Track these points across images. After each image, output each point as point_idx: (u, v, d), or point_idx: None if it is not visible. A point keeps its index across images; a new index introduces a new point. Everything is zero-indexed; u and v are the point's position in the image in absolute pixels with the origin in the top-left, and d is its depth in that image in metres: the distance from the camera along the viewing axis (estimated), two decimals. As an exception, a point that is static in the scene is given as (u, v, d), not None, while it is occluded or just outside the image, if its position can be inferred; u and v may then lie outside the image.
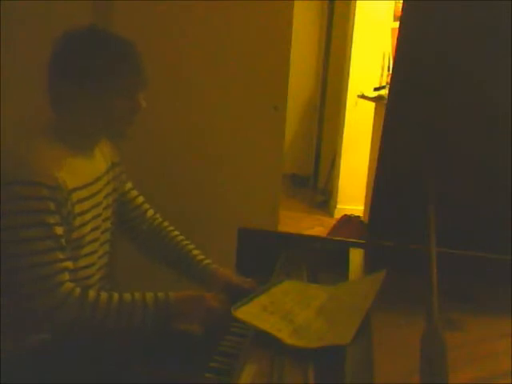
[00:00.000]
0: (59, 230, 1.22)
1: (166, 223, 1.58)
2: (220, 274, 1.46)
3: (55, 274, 1.20)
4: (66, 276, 1.21)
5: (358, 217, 3.79)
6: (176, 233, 1.57)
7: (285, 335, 1.03)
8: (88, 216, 1.32)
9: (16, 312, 1.28)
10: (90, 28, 1.32)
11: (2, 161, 1.24)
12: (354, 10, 4.19)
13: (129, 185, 1.55)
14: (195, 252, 1.53)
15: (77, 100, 1.29)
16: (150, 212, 1.58)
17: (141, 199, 1.57)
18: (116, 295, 1.25)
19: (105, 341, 1.28)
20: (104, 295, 1.24)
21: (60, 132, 1.31)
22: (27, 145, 1.28)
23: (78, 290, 1.21)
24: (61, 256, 1.22)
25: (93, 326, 1.23)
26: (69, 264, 1.23)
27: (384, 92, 3.52)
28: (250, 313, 1.12)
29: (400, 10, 1.54)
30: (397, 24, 2.18)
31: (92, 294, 1.23)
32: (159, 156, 2.23)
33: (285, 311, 1.13)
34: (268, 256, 1.40)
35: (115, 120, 1.33)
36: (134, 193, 1.56)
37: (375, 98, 3.69)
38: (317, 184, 5.34)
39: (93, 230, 1.35)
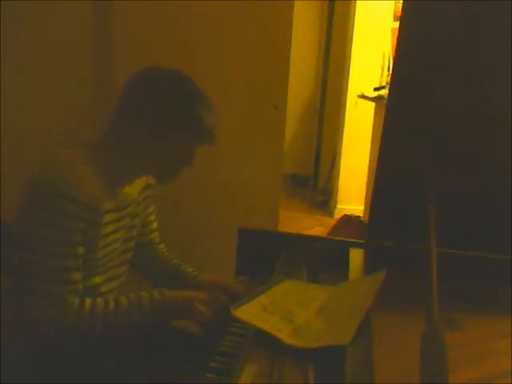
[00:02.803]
0: (80, 250, 1.22)
1: (162, 245, 1.58)
2: (209, 281, 1.45)
3: (63, 294, 1.20)
4: (73, 296, 1.21)
5: (358, 217, 3.79)
6: (168, 253, 1.57)
7: (285, 335, 1.03)
8: (112, 238, 1.32)
9: (17, 312, 1.28)
10: (177, 73, 1.30)
11: (43, 168, 1.24)
12: (354, 10, 4.18)
13: (151, 209, 1.53)
14: (184, 266, 1.53)
15: (138, 134, 1.28)
16: (157, 239, 1.57)
17: (154, 225, 1.56)
18: (111, 300, 1.26)
19: (105, 341, 1.28)
20: (100, 301, 1.24)
21: (107, 156, 1.30)
22: (73, 155, 1.26)
23: (76, 301, 1.21)
24: (75, 277, 1.22)
25: (93, 332, 1.23)
26: (79, 286, 1.24)
27: (384, 92, 3.52)
28: (249, 313, 1.12)
29: (400, 10, 1.54)
30: (397, 24, 2.18)
31: (88, 303, 1.23)
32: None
33: (285, 311, 1.13)
34: (268, 256, 1.40)
35: (165, 166, 1.33)
36: (152, 218, 1.55)
37: (375, 98, 3.69)
38: (317, 184, 5.34)
39: (114, 250, 1.35)
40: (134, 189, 1.39)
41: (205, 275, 1.49)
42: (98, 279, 1.33)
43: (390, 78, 1.90)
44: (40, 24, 2.12)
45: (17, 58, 2.11)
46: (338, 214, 4.35)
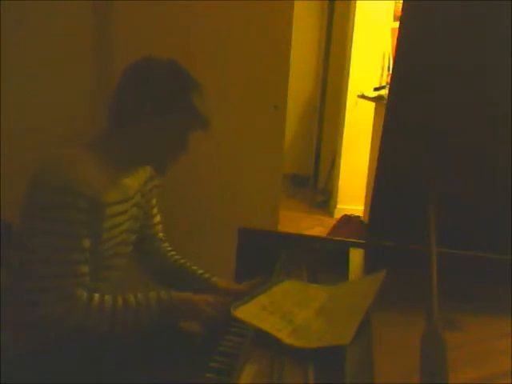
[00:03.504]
0: (86, 243, 1.23)
1: (166, 244, 1.58)
2: (223, 285, 1.46)
3: (71, 287, 1.20)
4: (81, 289, 1.21)
5: (358, 217, 3.79)
6: (174, 253, 1.57)
7: (284, 335, 1.03)
8: (117, 231, 1.32)
9: (17, 312, 1.28)
10: (167, 61, 1.31)
11: (43, 167, 1.24)
12: (354, 10, 4.19)
13: (154, 201, 1.53)
14: (195, 268, 1.53)
15: (129, 124, 1.29)
16: (161, 234, 1.57)
17: (158, 218, 1.56)
18: (120, 298, 1.25)
19: (105, 341, 1.28)
20: (108, 298, 1.24)
21: (107, 148, 1.30)
22: (73, 154, 1.26)
23: (84, 295, 1.21)
24: (82, 270, 1.22)
25: (99, 330, 1.23)
26: (87, 279, 1.24)
27: (384, 92, 3.52)
28: (249, 312, 1.12)
29: (400, 10, 1.54)
30: (397, 24, 2.18)
31: (96, 298, 1.23)
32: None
33: (285, 311, 1.13)
34: (268, 256, 1.40)
35: (164, 155, 1.34)
36: (155, 210, 1.55)
37: (375, 98, 3.69)
38: (317, 184, 5.35)
39: (119, 243, 1.35)
40: (134, 180, 1.38)
41: (222, 280, 1.48)
42: (103, 272, 1.33)
43: (389, 78, 1.90)
44: (40, 24, 2.11)
45: (17, 58, 2.11)
46: (338, 214, 4.35)
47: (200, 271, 1.51)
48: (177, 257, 1.56)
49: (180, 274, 1.52)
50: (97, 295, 1.23)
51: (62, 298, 1.19)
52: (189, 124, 1.32)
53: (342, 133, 4.44)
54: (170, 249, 1.58)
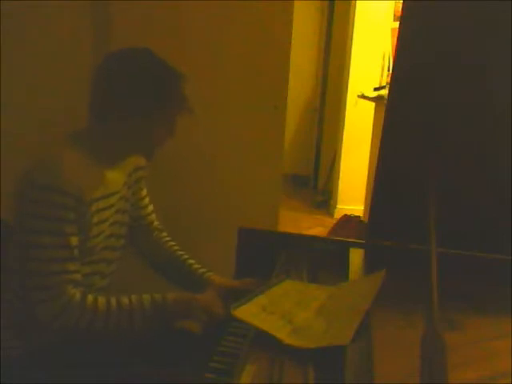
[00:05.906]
0: (74, 241, 1.22)
1: (164, 233, 1.58)
2: (217, 281, 1.46)
3: (61, 284, 1.20)
4: (71, 287, 1.21)
5: (358, 217, 3.79)
6: (172, 243, 1.57)
7: (284, 335, 1.03)
8: (105, 225, 1.32)
9: (17, 312, 1.28)
10: (143, 50, 1.31)
11: (31, 164, 1.24)
12: (354, 10, 4.19)
13: (144, 191, 1.53)
14: (191, 261, 1.53)
15: (117, 118, 1.28)
16: (155, 224, 1.57)
17: (150, 208, 1.56)
18: (113, 300, 1.25)
19: (105, 341, 1.28)
20: (102, 300, 1.24)
21: (93, 143, 1.30)
22: (56, 151, 1.26)
23: (78, 295, 1.21)
24: (71, 267, 1.22)
25: (92, 331, 1.23)
26: (77, 276, 1.23)
27: (384, 92, 3.52)
28: (249, 312, 1.12)
29: (400, 10, 1.54)
30: (397, 24, 2.18)
31: (90, 299, 1.23)
32: (158, 155, 2.23)
33: (284, 311, 1.13)
34: (268, 256, 1.40)
35: (151, 142, 1.33)
36: (146, 201, 1.54)
37: (375, 97, 3.70)
38: (317, 184, 5.35)
39: (108, 237, 1.35)
40: (120, 173, 1.37)
41: (217, 277, 1.48)
42: (95, 266, 1.33)
43: (390, 77, 1.90)
44: (40, 24, 2.11)
45: (17, 58, 2.11)
46: (337, 214, 4.35)
47: (195, 265, 1.51)
48: (175, 247, 1.55)
49: (175, 265, 1.52)
50: (90, 296, 1.23)
51: (53, 295, 1.19)
52: (177, 112, 1.31)
53: (342, 133, 4.44)
54: (168, 239, 1.57)
